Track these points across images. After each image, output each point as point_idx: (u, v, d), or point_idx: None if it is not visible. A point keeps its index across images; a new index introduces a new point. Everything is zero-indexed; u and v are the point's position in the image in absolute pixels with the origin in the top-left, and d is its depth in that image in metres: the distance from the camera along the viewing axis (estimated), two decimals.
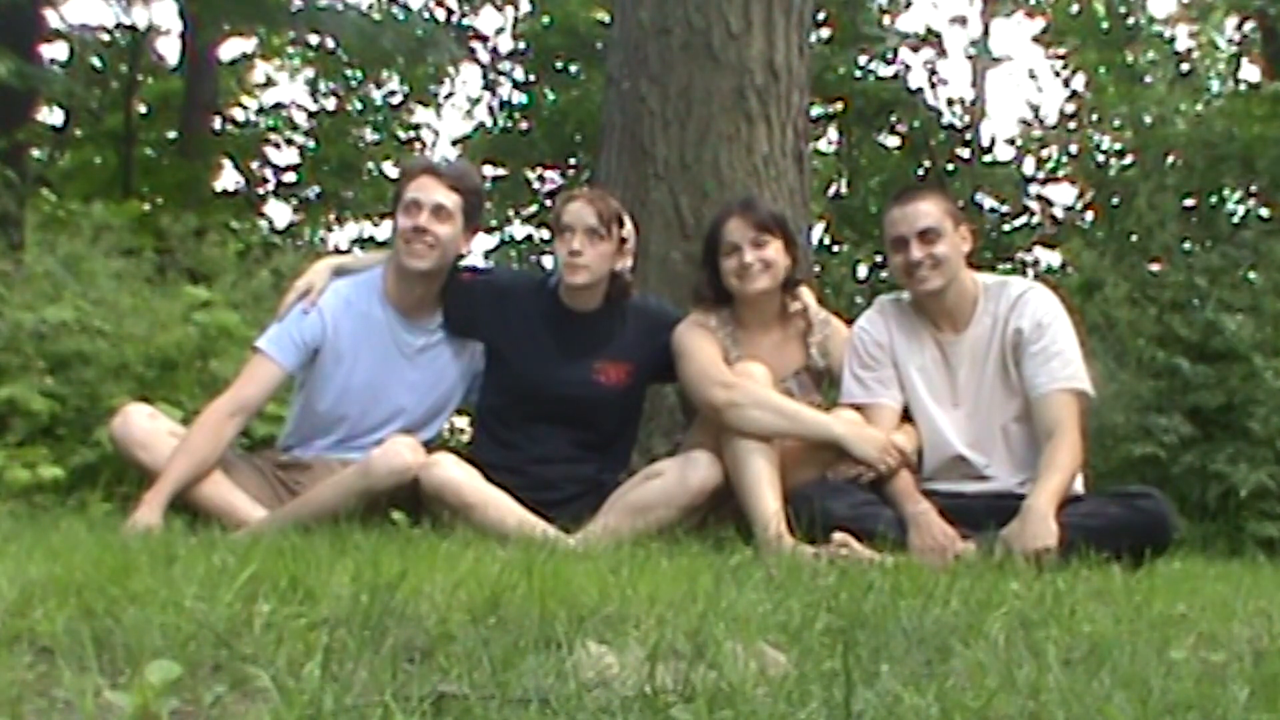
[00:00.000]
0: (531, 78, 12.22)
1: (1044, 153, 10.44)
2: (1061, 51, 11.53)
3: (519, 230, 12.60)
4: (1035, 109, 10.77)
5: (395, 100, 14.03)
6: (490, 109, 12.78)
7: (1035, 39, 11.79)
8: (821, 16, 9.73)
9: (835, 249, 9.86)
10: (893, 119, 10.87)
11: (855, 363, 3.45)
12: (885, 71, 10.69)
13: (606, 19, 9.57)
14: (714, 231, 3.50)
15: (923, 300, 3.41)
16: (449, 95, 14.05)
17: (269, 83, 14.63)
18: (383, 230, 13.90)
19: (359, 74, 13.44)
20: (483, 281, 3.65)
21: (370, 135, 13.97)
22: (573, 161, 11.57)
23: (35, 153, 10.54)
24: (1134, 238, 7.48)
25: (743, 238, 3.42)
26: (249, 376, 3.44)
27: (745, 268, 3.42)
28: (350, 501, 3.16)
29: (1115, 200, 8.43)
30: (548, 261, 12.06)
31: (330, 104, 14.00)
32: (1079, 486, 3.30)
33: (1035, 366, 3.30)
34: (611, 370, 3.50)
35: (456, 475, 3.22)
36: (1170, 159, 8.26)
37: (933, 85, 10.67)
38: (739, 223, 3.44)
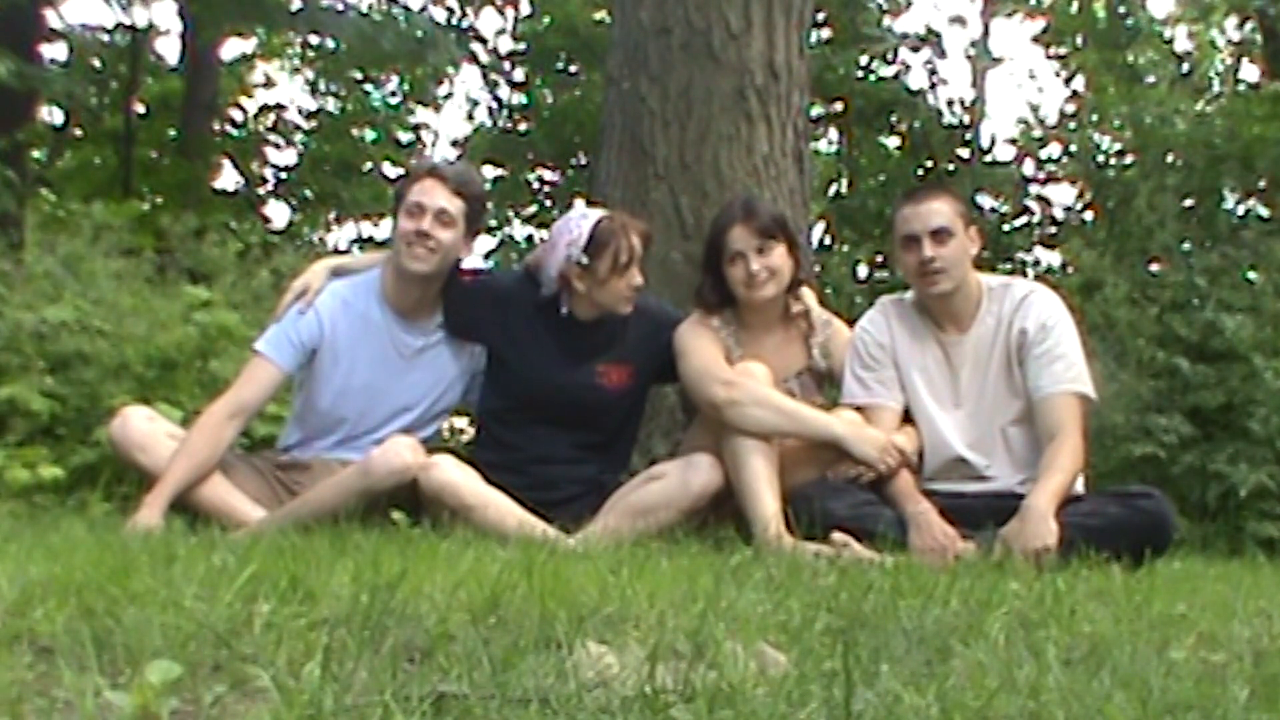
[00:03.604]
0: (531, 78, 12.22)
1: (1044, 153, 10.43)
2: (1061, 52, 11.53)
3: (519, 230, 12.60)
4: (1035, 109, 10.77)
5: (395, 100, 14.04)
6: (490, 110, 12.79)
7: (1035, 39, 11.79)
8: (821, 16, 9.72)
9: (835, 249, 9.86)
10: (893, 119, 10.87)
11: (856, 363, 3.45)
12: (885, 72, 10.69)
13: (606, 19, 9.57)
14: (716, 238, 3.46)
15: (928, 301, 3.41)
16: (448, 95, 14.05)
17: (269, 83, 14.64)
18: (382, 230, 13.91)
19: (359, 72, 13.43)
20: (483, 284, 3.63)
21: (370, 135, 13.97)
22: (573, 162, 11.56)
23: (35, 153, 10.54)
24: (1134, 238, 7.49)
25: (747, 245, 3.41)
26: (247, 378, 3.44)
27: (752, 276, 3.41)
28: (350, 501, 3.16)
29: (1115, 200, 8.43)
30: None
31: (330, 104, 14.01)
32: (1079, 487, 3.30)
33: (1039, 369, 3.30)
34: (614, 373, 3.49)
35: (456, 477, 3.22)
36: (1170, 159, 8.26)
37: (933, 85, 10.67)
38: (743, 230, 3.41)
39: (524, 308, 3.51)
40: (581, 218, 3.48)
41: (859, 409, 3.38)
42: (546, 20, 11.82)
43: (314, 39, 12.29)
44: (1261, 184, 8.19)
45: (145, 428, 3.32)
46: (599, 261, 3.38)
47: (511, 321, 3.51)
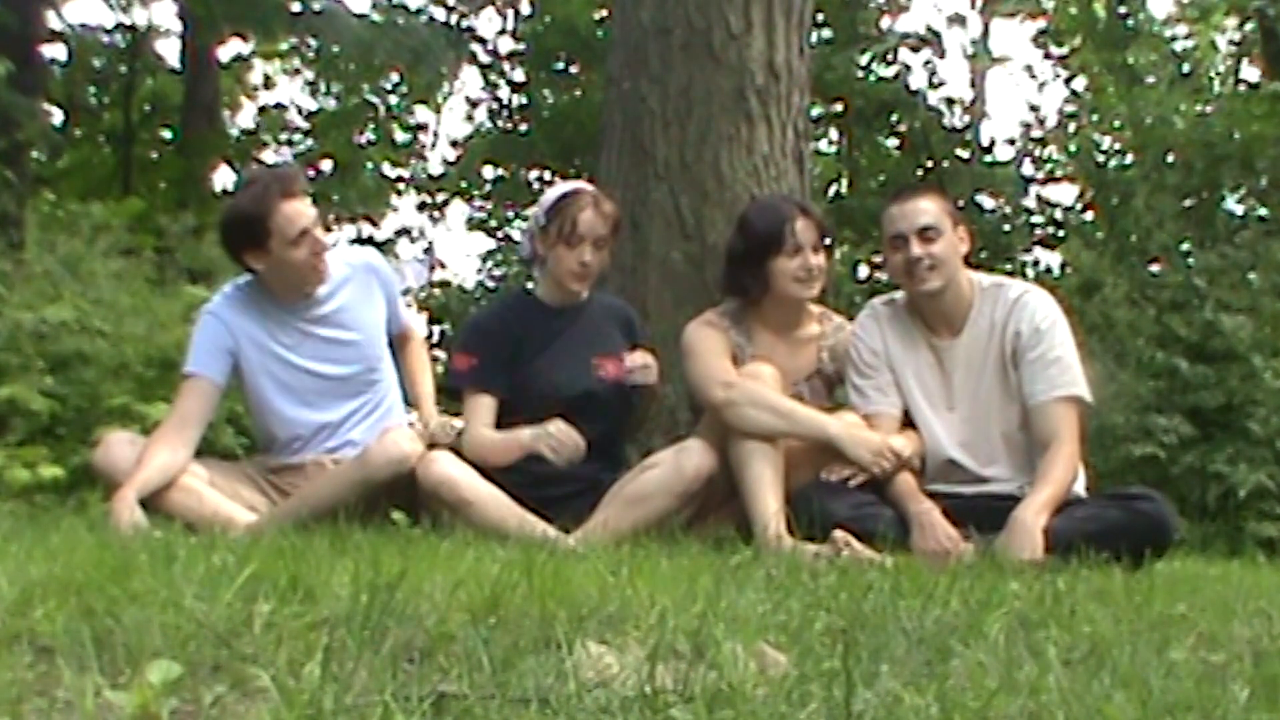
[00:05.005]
0: (531, 78, 12.21)
1: (1044, 153, 10.43)
2: (1061, 52, 11.53)
3: (518, 231, 12.59)
4: (1035, 109, 10.77)
5: (393, 100, 14.04)
6: (490, 110, 12.78)
7: (1035, 39, 11.79)
8: (821, 17, 9.73)
9: (835, 249, 9.86)
10: (893, 119, 10.88)
11: (853, 372, 3.44)
12: (885, 72, 10.70)
13: (606, 19, 9.56)
14: (776, 229, 3.43)
15: (919, 301, 3.40)
16: (448, 95, 14.06)
17: (268, 83, 14.64)
18: (382, 231, 13.92)
19: (358, 70, 13.43)
20: (491, 318, 3.62)
21: (369, 135, 13.98)
22: (573, 162, 11.57)
23: (34, 153, 10.53)
24: (1133, 238, 7.49)
25: (807, 240, 3.43)
26: (182, 396, 3.40)
27: (809, 271, 3.43)
28: (349, 495, 3.15)
29: (1115, 200, 8.44)
30: None
31: (329, 103, 14.01)
32: (1080, 489, 3.29)
33: (1033, 373, 3.28)
34: (609, 364, 3.51)
35: (454, 473, 3.22)
36: (1170, 159, 8.26)
37: (932, 85, 10.67)
38: (806, 224, 3.44)
39: (517, 324, 3.51)
40: (563, 187, 3.56)
41: (862, 417, 3.39)
42: (546, 20, 11.82)
43: (312, 41, 12.29)
44: (1262, 184, 8.20)
45: (128, 453, 3.26)
46: (551, 225, 3.44)
47: (517, 339, 3.48)
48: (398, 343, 3.71)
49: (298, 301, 3.45)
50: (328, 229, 3.41)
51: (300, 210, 3.32)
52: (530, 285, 3.61)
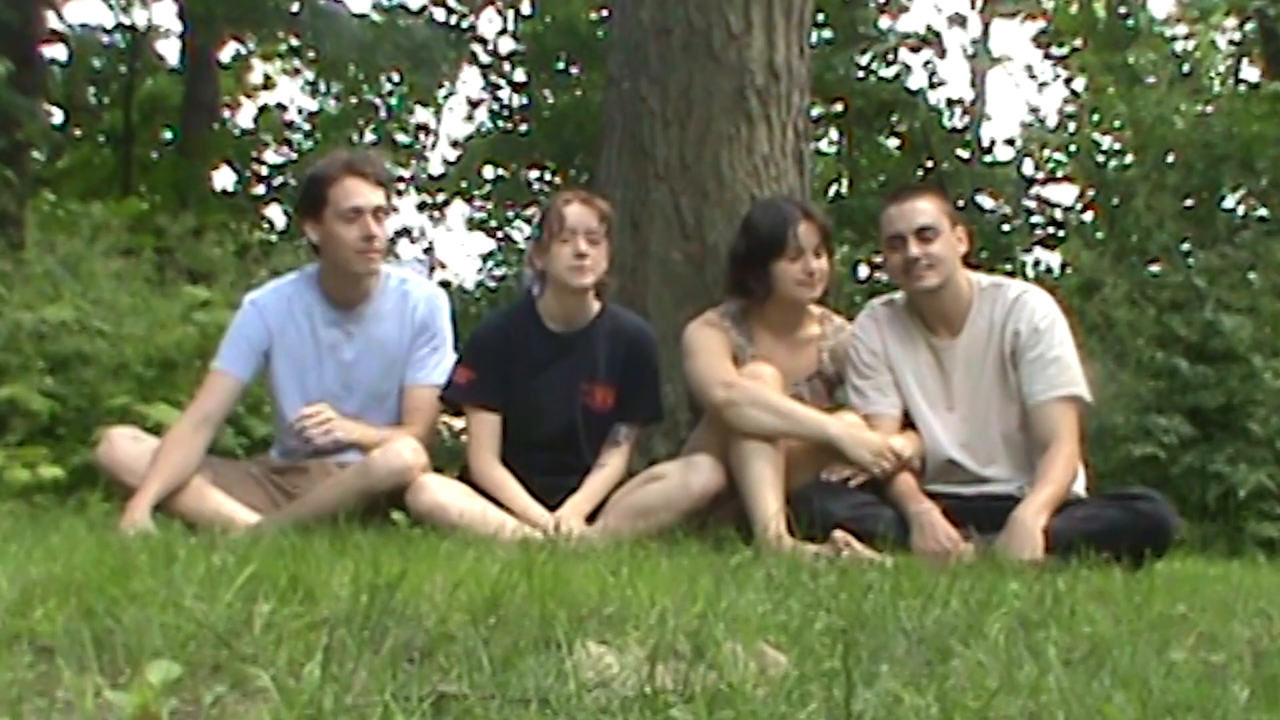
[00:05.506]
0: (531, 78, 12.23)
1: (1044, 153, 10.44)
2: (1061, 52, 11.54)
3: (519, 231, 12.59)
4: (1035, 109, 10.78)
5: (394, 101, 14.06)
6: (491, 110, 12.79)
7: (1035, 40, 11.80)
8: (821, 17, 9.73)
9: (835, 249, 9.87)
10: (893, 119, 10.89)
11: (853, 373, 3.44)
12: (885, 72, 10.71)
13: (606, 19, 9.54)
14: (778, 232, 3.43)
15: (918, 300, 3.40)
16: (449, 95, 14.06)
17: (268, 83, 14.65)
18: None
19: (359, 71, 13.45)
20: (488, 333, 3.55)
21: (370, 136, 13.99)
22: (573, 161, 11.57)
23: (34, 153, 10.55)
24: (1133, 238, 7.50)
25: (808, 244, 3.43)
26: (206, 391, 3.41)
27: (811, 275, 3.43)
28: (350, 501, 3.15)
29: (1115, 201, 8.44)
30: None
31: (329, 104, 14.03)
32: (1080, 489, 3.29)
33: (1032, 374, 3.28)
34: (598, 392, 3.44)
35: (443, 499, 3.19)
36: (1170, 159, 8.27)
37: (933, 86, 10.68)
38: (808, 227, 3.44)
39: (522, 332, 3.48)
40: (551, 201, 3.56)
41: (862, 418, 3.39)
42: (546, 20, 11.82)
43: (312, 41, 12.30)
44: (1262, 184, 8.20)
45: (132, 449, 3.27)
46: (545, 230, 3.40)
47: (514, 355, 3.44)
48: (405, 404, 3.49)
49: (347, 298, 3.44)
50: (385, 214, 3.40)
51: (360, 188, 3.34)
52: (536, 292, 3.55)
